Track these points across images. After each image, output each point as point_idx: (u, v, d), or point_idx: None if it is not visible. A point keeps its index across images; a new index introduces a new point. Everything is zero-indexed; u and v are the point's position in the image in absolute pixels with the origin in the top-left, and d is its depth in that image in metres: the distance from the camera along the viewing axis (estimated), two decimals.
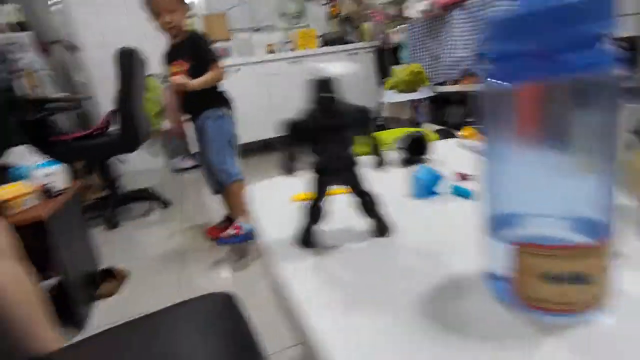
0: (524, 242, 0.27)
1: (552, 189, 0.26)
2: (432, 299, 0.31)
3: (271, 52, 3.70)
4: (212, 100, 1.66)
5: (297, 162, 0.42)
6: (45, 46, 2.30)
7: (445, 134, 2.43)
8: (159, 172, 3.60)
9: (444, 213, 0.48)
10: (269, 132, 3.49)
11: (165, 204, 2.42)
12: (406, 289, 0.33)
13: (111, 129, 2.18)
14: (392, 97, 2.55)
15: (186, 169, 3.49)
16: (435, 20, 2.55)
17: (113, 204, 2.16)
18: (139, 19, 3.38)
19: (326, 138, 0.39)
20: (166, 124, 3.36)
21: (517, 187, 0.28)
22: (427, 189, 0.53)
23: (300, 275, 0.37)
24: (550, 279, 0.26)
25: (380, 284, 0.34)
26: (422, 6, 2.54)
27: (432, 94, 2.53)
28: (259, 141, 3.62)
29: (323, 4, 3.99)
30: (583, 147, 0.25)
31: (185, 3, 1.59)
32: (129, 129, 2.06)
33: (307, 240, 0.41)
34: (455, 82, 2.43)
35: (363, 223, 0.43)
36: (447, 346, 0.26)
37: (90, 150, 2.04)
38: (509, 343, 0.26)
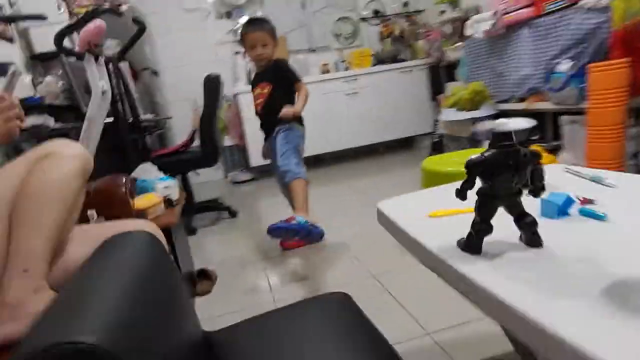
0: None
1: None
2: (615, 297, 0.36)
3: (326, 71, 3.86)
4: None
5: (470, 189, 0.50)
6: (135, 73, 2.58)
7: None
8: (219, 183, 3.84)
9: (584, 230, 0.53)
10: (322, 147, 3.62)
11: (233, 213, 2.58)
12: (586, 289, 0.38)
13: (193, 145, 2.41)
14: (453, 115, 2.58)
15: (244, 181, 3.69)
16: (499, 38, 2.56)
17: (191, 212, 2.36)
18: (208, 44, 3.76)
19: (502, 174, 0.47)
20: (228, 139, 3.60)
21: None
22: (559, 211, 0.58)
23: (486, 275, 0.44)
24: None
25: (559, 281, 0.40)
26: (485, 26, 2.56)
27: (494, 112, 2.53)
28: (312, 156, 3.75)
29: (376, 24, 4.12)
30: None
31: (276, 38, 1.77)
32: (210, 146, 2.27)
33: (477, 248, 0.49)
34: (521, 100, 2.42)
35: (516, 235, 0.50)
36: None
37: (179, 164, 2.29)
38: None
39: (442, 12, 3.38)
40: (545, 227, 0.51)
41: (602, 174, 0.73)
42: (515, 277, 0.43)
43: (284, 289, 1.56)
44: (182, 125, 3.48)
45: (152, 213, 1.28)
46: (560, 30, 2.17)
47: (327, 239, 1.86)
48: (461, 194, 0.50)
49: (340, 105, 3.58)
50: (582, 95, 2.01)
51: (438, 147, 2.97)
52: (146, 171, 1.55)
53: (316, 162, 3.90)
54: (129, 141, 1.79)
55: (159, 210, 1.32)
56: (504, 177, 0.48)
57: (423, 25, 3.92)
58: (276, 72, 1.76)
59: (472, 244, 0.50)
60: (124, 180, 1.19)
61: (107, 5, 1.45)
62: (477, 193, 0.50)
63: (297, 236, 1.65)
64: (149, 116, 2.52)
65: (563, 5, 2.15)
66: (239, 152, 3.81)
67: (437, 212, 0.68)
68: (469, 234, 0.50)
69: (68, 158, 0.71)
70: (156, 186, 1.43)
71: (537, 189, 0.50)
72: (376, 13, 4.08)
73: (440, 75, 3.46)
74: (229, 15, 3.77)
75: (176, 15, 3.71)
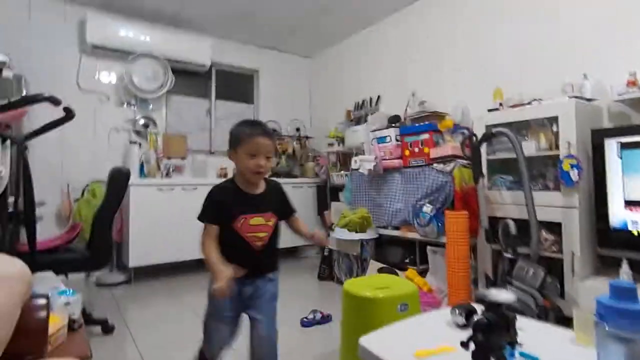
0: None
1: None
2: None
3: (224, 175, 3.96)
4: (278, 258, 1.40)
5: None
6: None
7: (389, 271, 2.83)
8: (76, 284, 3.13)
9: None
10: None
11: (107, 329, 2.11)
12: None
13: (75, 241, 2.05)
14: (345, 234, 2.96)
15: (114, 284, 3.12)
16: (378, 176, 3.21)
17: None
18: (100, 129, 3.46)
19: (497, 333, 0.68)
20: None
21: None
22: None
23: None
24: None
25: None
26: (368, 165, 3.21)
27: (376, 236, 3.02)
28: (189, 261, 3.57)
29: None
30: None
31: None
32: (103, 246, 1.98)
33: None
34: (396, 228, 2.98)
35: None
36: None
37: (58, 265, 1.82)
38: None
39: (330, 144, 4.08)
40: None
41: None
42: None
43: None
44: (45, 210, 2.91)
45: (54, 342, 1.01)
46: (421, 180, 2.89)
47: None
48: (465, 345, 0.69)
49: None
50: (440, 231, 2.65)
51: (328, 261, 3.26)
52: (42, 279, 1.27)
53: (198, 267, 3.69)
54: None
55: (61, 338, 1.05)
56: (497, 334, 0.69)
57: (313, 150, 4.57)
58: (278, 199, 1.39)
59: None
60: (43, 300, 0.92)
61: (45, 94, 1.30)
62: (477, 346, 0.69)
63: None
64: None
65: (422, 164, 2.93)
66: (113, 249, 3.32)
67: (422, 352, 0.84)
68: None
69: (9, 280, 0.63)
70: (56, 301, 1.14)
71: (513, 343, 0.72)
72: (273, 131, 4.58)
73: (327, 194, 3.98)
74: (129, 104, 3.64)
75: (69, 92, 3.36)
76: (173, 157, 3.80)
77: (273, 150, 1.31)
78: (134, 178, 3.28)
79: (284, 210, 1.39)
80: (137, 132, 3.62)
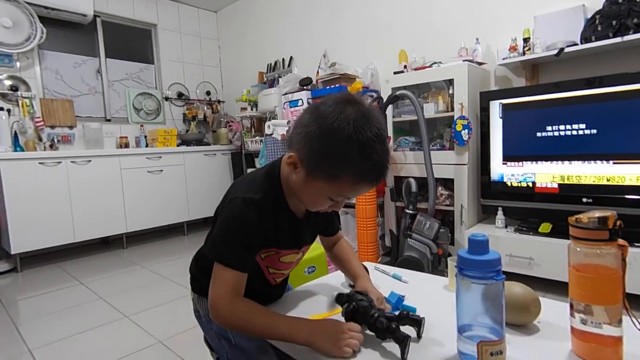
0: (481, 341, 0.63)
1: (485, 315, 0.64)
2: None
3: (124, 145, 3.55)
4: None
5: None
6: None
7: None
8: None
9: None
10: (119, 227, 3.19)
11: None
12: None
13: None
14: None
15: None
16: None
17: None
18: None
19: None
20: None
21: (471, 312, 0.65)
22: (394, 306, 0.87)
23: None
24: (491, 354, 0.63)
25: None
26: (281, 130, 3.14)
27: None
28: (106, 237, 3.28)
29: (180, 106, 4.21)
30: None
31: None
32: None
33: None
34: None
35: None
36: None
37: None
38: None
39: (244, 108, 3.88)
40: None
41: (398, 272, 1.10)
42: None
43: None
44: None
45: None
46: None
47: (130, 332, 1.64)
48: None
49: (141, 182, 3.33)
50: None
51: None
52: None
53: (112, 243, 3.39)
54: None
55: None
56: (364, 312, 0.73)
57: (225, 115, 4.32)
58: (326, 218, 0.98)
59: None
60: None
61: None
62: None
63: None
64: None
65: None
66: None
67: (314, 317, 0.84)
68: None
69: None
70: None
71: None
72: (180, 95, 4.20)
73: (242, 161, 3.84)
74: None
75: None
76: (58, 125, 3.28)
77: None
78: (4, 151, 2.76)
79: (324, 229, 1.00)
80: (3, 96, 3.00)
